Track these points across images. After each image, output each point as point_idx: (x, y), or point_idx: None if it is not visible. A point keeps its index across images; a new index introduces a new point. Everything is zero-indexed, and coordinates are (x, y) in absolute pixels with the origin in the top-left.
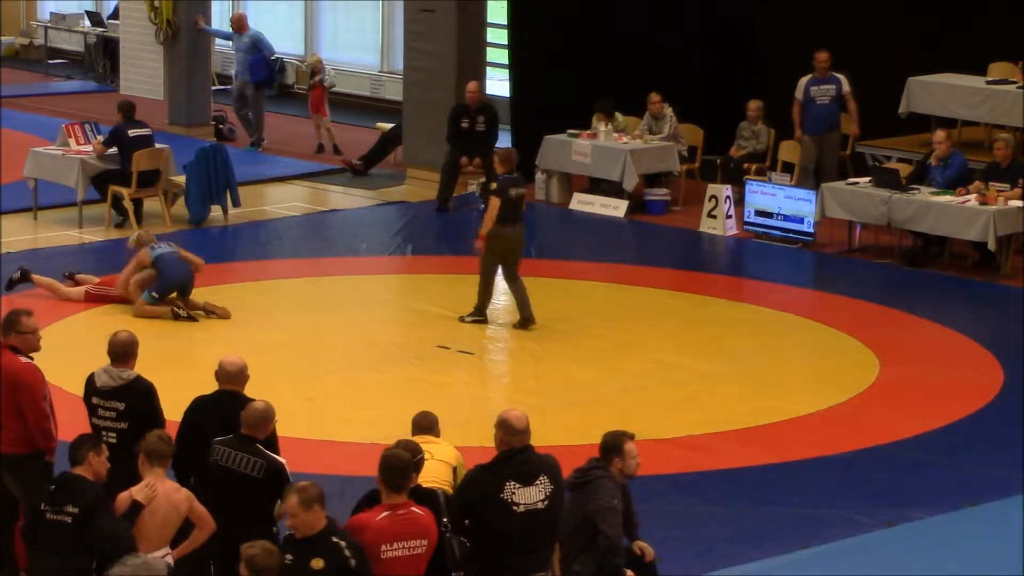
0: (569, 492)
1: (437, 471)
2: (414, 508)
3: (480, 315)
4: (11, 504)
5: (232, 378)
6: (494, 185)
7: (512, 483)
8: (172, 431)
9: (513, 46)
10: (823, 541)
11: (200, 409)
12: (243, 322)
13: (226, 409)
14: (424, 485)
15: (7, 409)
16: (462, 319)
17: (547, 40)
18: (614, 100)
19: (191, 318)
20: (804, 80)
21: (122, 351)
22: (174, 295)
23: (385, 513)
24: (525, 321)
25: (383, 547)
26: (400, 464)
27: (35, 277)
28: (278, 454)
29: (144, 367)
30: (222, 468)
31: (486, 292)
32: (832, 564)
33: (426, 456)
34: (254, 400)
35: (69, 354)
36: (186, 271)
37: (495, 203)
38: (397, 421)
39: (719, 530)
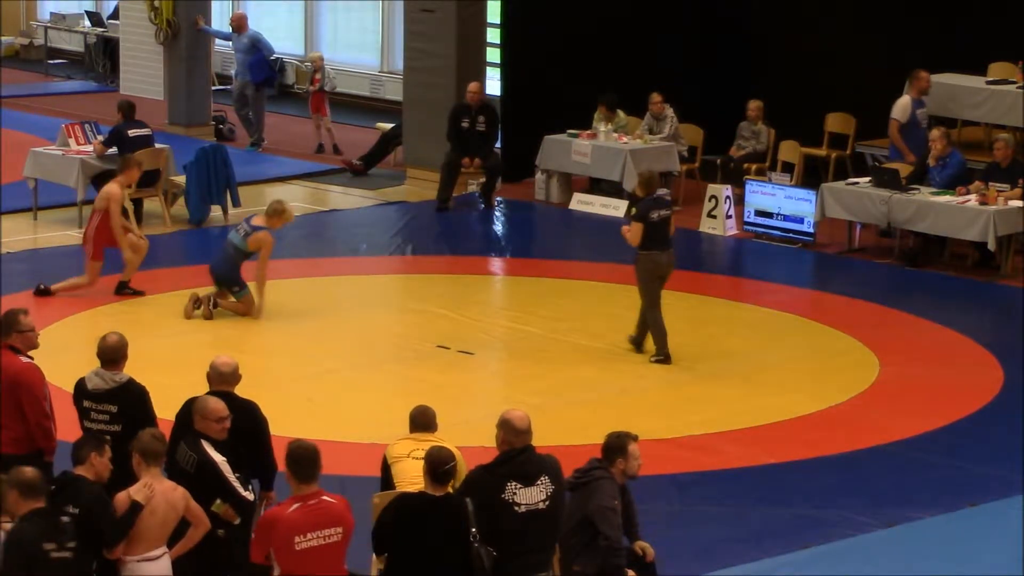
0: (569, 492)
1: None
2: (325, 497)
3: (662, 355)
4: None
5: (226, 379)
6: (635, 210)
7: (513, 483)
8: (166, 431)
9: (508, 46)
10: (823, 541)
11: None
12: (243, 322)
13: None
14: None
15: (8, 410)
16: (652, 359)
17: (545, 40)
18: (617, 95)
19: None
20: (906, 101)
21: (113, 354)
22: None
23: (296, 505)
24: (637, 344)
25: (296, 539)
26: (307, 455)
27: (54, 287)
28: (269, 454)
29: (143, 368)
30: (175, 464)
31: (658, 328)
32: (832, 564)
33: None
34: (246, 400)
35: (69, 354)
36: (225, 270)
37: (637, 228)
38: (397, 421)
39: (719, 530)
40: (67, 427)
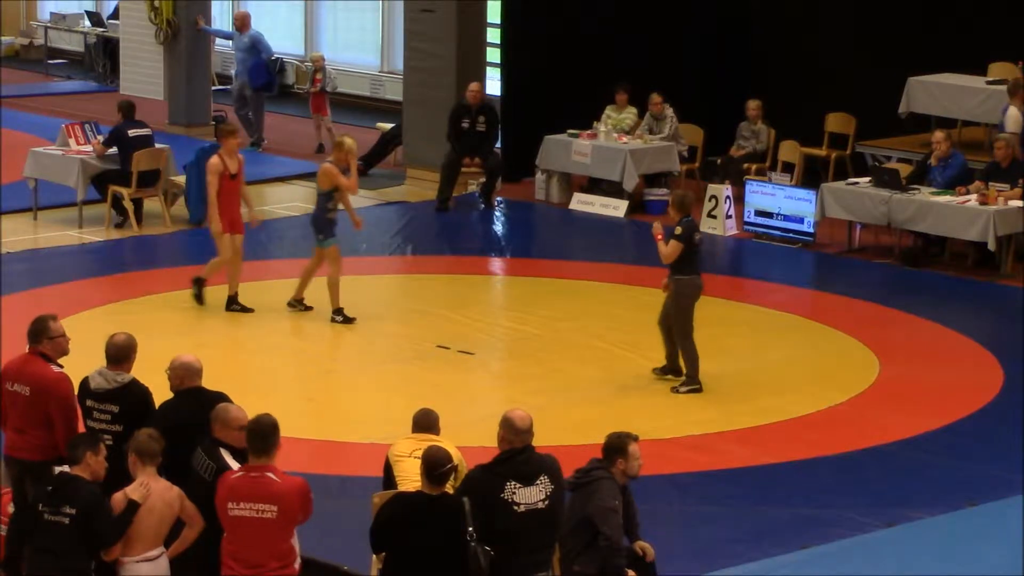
0: (570, 492)
1: None
2: (270, 474)
3: (694, 383)
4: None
5: (196, 374)
6: (679, 229)
7: (512, 483)
8: None
9: (508, 46)
10: (823, 541)
11: (176, 411)
12: (243, 322)
13: (208, 406)
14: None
15: (34, 416)
16: (674, 390)
17: (545, 40)
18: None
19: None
20: (1016, 113)
21: (119, 353)
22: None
23: (240, 473)
24: (666, 370)
25: (230, 504)
26: (260, 429)
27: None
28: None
29: (143, 367)
30: (194, 470)
31: (689, 355)
32: (832, 564)
33: None
34: (218, 393)
35: (71, 354)
36: (313, 216)
37: (676, 247)
38: (397, 421)
39: (719, 530)
40: None
